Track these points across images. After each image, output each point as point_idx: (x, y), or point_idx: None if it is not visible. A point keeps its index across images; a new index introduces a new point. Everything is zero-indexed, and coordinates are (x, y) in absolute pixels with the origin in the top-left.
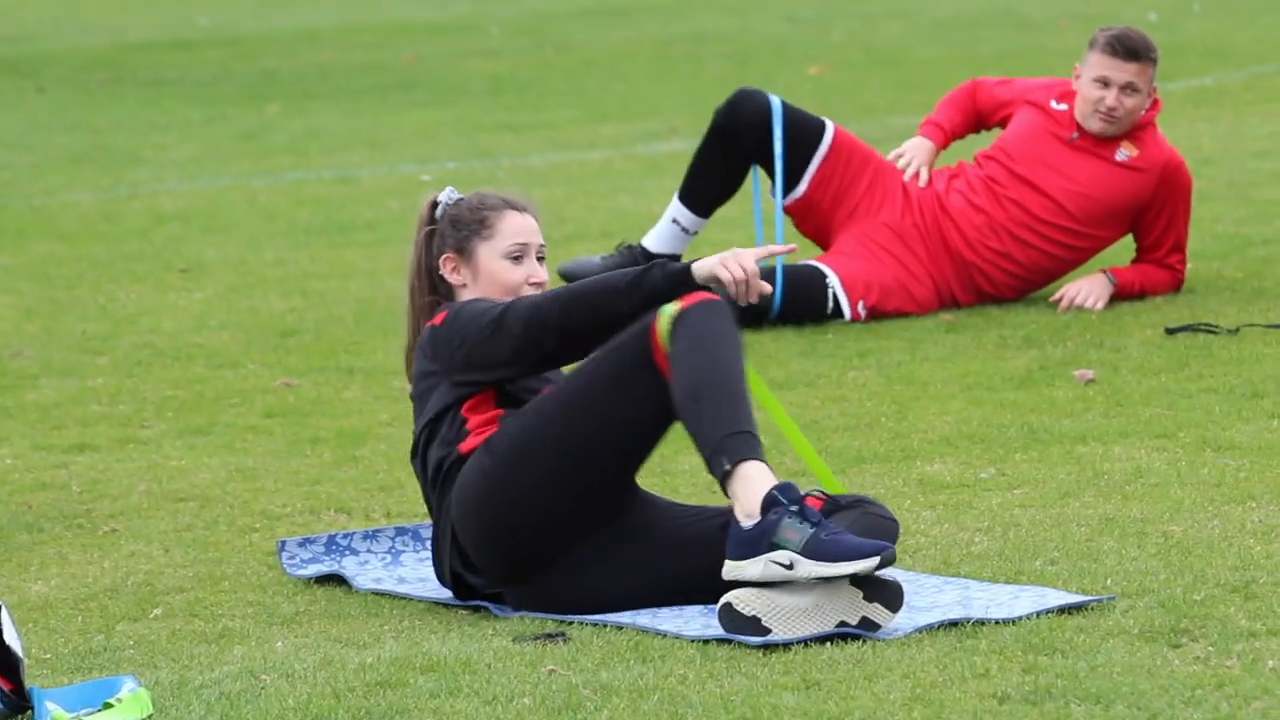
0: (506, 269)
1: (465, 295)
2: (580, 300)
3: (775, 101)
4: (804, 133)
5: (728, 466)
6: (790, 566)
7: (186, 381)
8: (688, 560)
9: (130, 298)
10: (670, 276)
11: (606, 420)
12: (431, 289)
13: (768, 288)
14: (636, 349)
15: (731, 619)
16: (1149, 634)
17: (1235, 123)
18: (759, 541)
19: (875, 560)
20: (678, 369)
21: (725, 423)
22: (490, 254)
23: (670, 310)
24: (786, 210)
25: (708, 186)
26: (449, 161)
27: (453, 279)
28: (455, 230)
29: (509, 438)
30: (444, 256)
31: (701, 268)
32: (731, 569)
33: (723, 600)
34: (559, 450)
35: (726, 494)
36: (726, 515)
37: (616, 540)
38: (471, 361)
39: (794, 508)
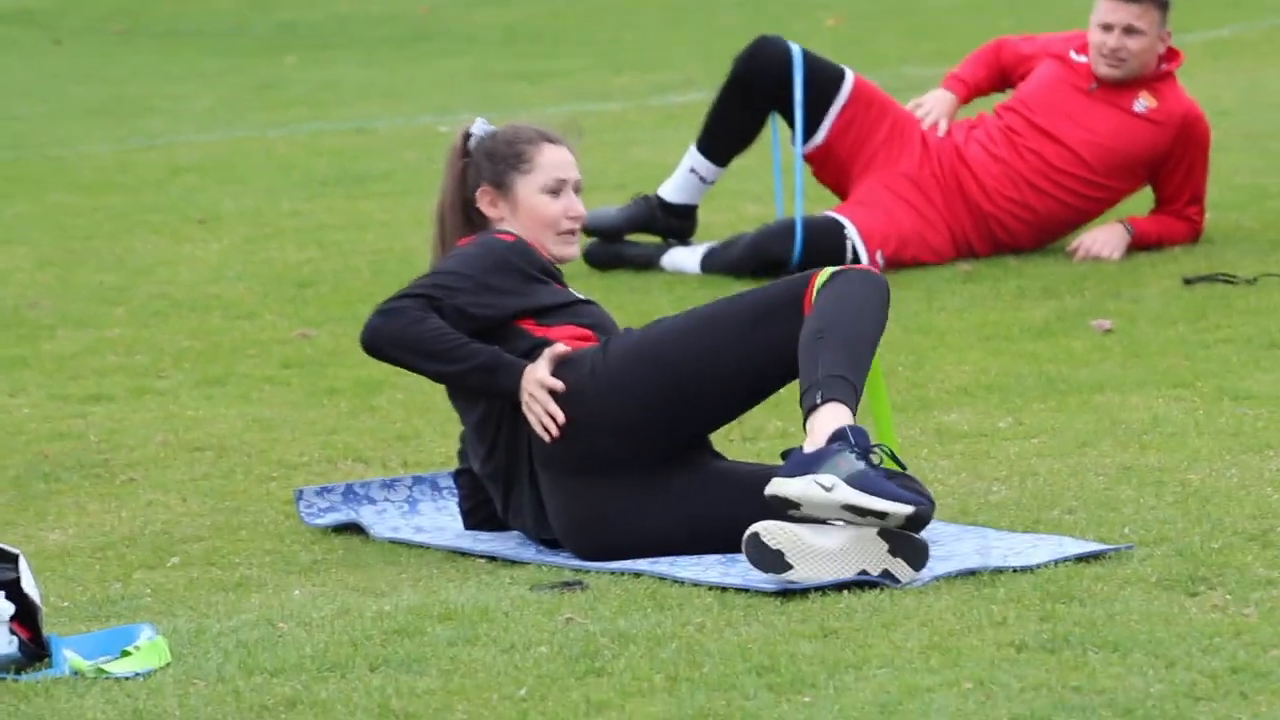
0: (545, 203)
1: (504, 228)
2: (430, 348)
3: (795, 49)
4: (823, 81)
5: (818, 400)
6: (830, 489)
7: (203, 332)
8: (734, 503)
9: (147, 248)
10: (503, 388)
11: (739, 344)
12: (467, 221)
13: (555, 421)
14: (790, 289)
15: (756, 550)
16: (1167, 582)
17: (1253, 74)
18: (811, 464)
19: (909, 509)
20: (816, 311)
21: (834, 366)
22: (528, 188)
23: (831, 269)
24: (806, 158)
25: (726, 135)
26: (464, 112)
27: (490, 212)
28: (492, 163)
29: (631, 339)
30: (480, 190)
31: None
32: (775, 485)
33: (750, 529)
34: (681, 360)
35: (805, 428)
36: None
37: (671, 474)
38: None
39: (857, 447)
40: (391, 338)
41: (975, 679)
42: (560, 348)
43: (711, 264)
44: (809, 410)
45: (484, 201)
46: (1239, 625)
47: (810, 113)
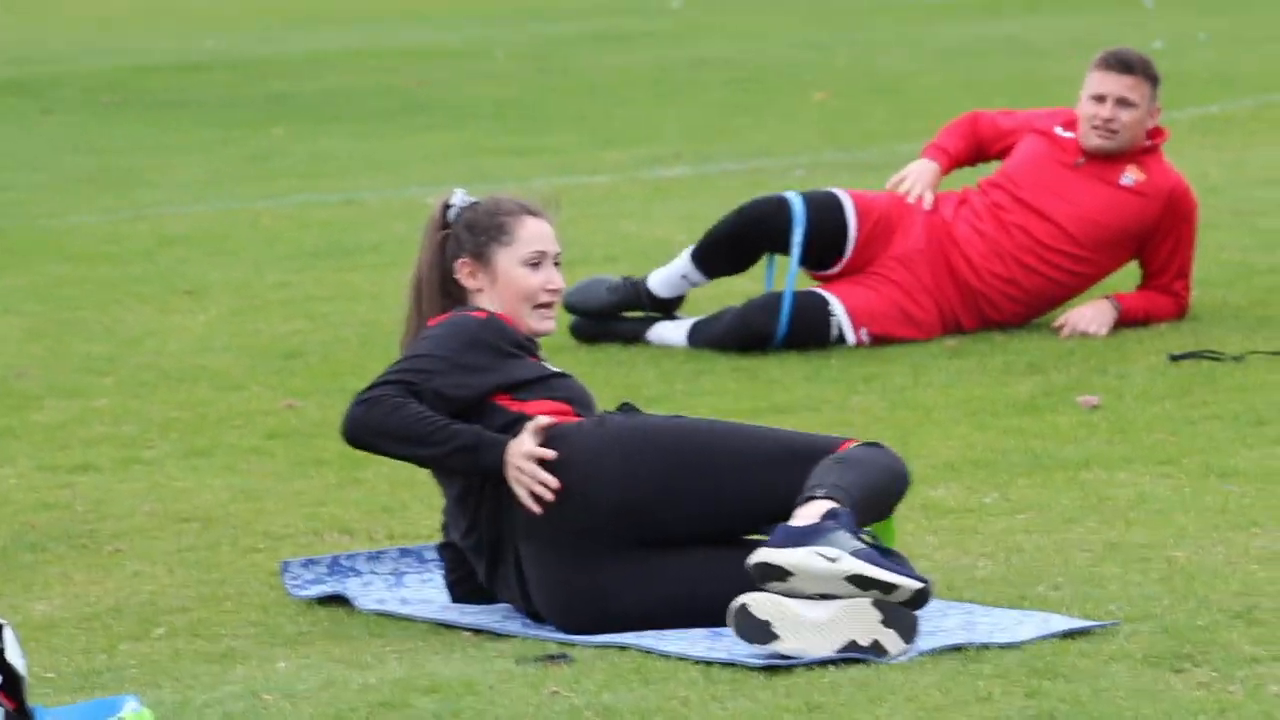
0: (524, 275)
1: (482, 300)
2: (410, 433)
3: (797, 211)
4: (828, 225)
5: (814, 494)
6: (834, 560)
7: (190, 403)
8: (719, 578)
9: (135, 319)
10: (486, 466)
11: (756, 471)
12: (444, 293)
13: (547, 487)
14: (824, 443)
15: (743, 621)
16: (1152, 659)
17: (1241, 151)
18: (805, 537)
19: (918, 584)
20: (847, 452)
21: (843, 482)
22: (508, 260)
23: (868, 440)
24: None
25: (723, 260)
26: (455, 185)
27: (469, 283)
28: (472, 235)
29: (647, 423)
30: (460, 261)
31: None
32: (766, 554)
33: (738, 601)
34: (695, 461)
35: (793, 515)
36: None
37: (654, 551)
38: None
39: (850, 530)
40: (372, 426)
41: None
42: (543, 419)
43: (698, 338)
44: (805, 499)
45: (463, 273)
46: (1224, 703)
47: (821, 257)
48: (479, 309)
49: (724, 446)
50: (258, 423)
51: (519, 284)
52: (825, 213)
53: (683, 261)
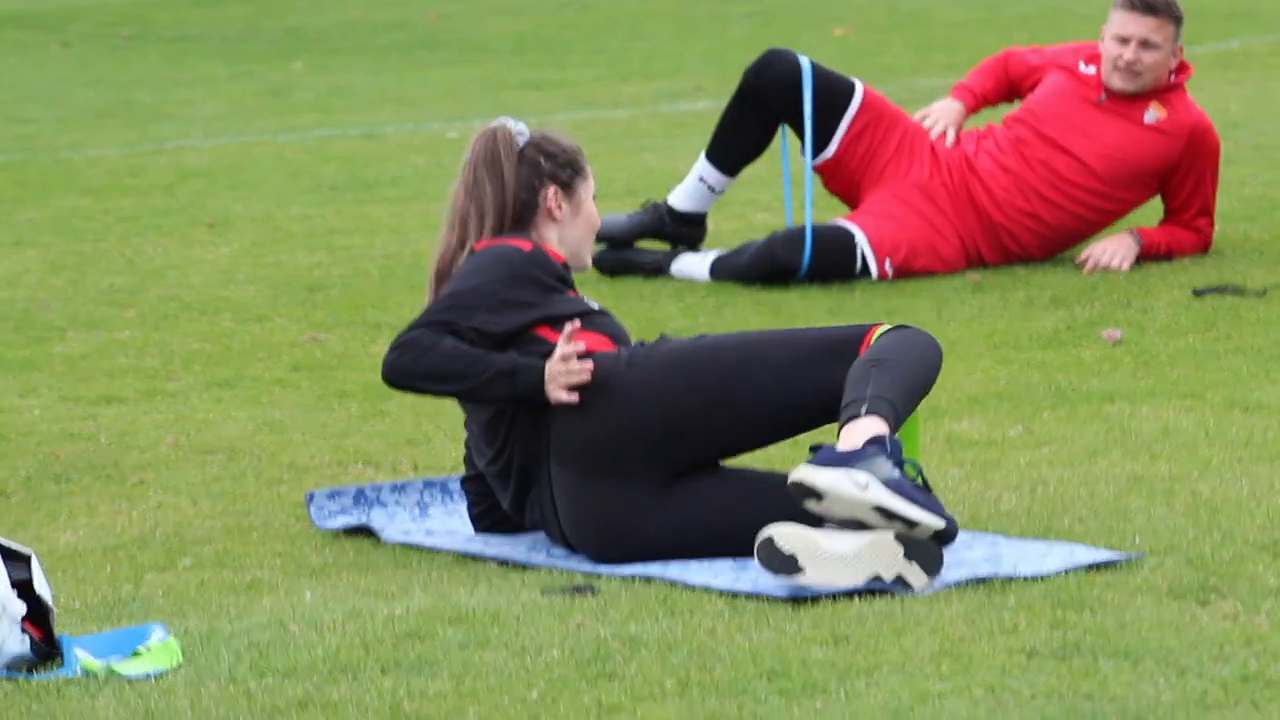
0: (594, 209)
1: (551, 231)
2: (447, 371)
3: (805, 62)
4: (834, 93)
5: (861, 411)
6: (864, 487)
7: (213, 335)
8: (749, 507)
9: (156, 252)
10: (527, 389)
11: (782, 377)
12: (518, 220)
13: (583, 370)
14: (849, 332)
15: (769, 554)
16: (1177, 591)
17: (1262, 85)
18: (845, 460)
19: (941, 523)
20: (873, 348)
21: (884, 389)
22: (587, 194)
23: (890, 324)
24: (816, 170)
25: (736, 145)
26: (475, 119)
27: (556, 213)
28: (555, 166)
29: (673, 347)
30: (552, 190)
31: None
32: (803, 472)
33: (764, 533)
34: (720, 380)
35: (840, 434)
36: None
37: (687, 479)
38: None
39: (893, 455)
40: (409, 370)
41: (986, 685)
42: (575, 323)
43: (720, 271)
44: (849, 418)
45: (553, 201)
46: (1250, 634)
47: (821, 125)
48: (524, 239)
49: (752, 356)
50: (281, 355)
51: (592, 217)
52: (833, 87)
53: (699, 164)
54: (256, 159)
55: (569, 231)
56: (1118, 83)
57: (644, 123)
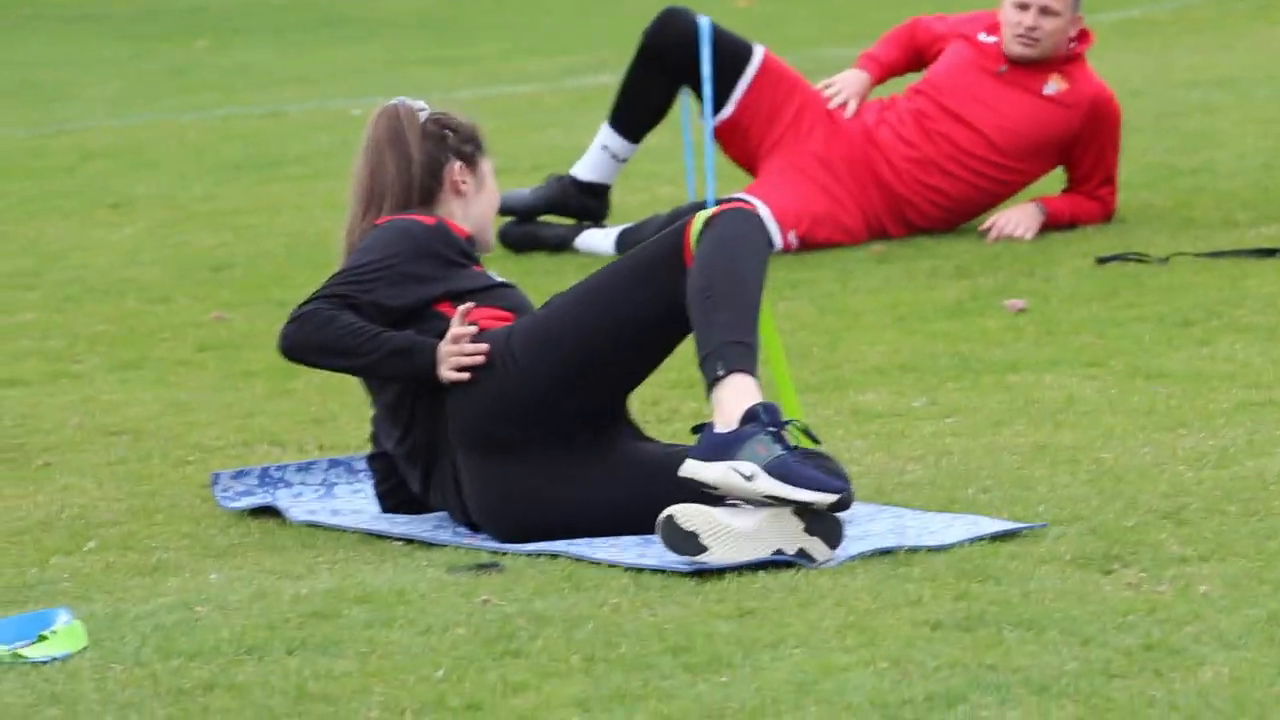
0: (495, 186)
1: (456, 207)
2: (343, 346)
3: (703, 21)
4: (732, 54)
5: (720, 373)
6: (750, 479)
7: (118, 316)
8: (651, 484)
9: (58, 233)
10: (421, 368)
11: (629, 308)
12: (424, 196)
13: (475, 352)
14: (668, 243)
15: (670, 532)
16: (1081, 560)
17: (1163, 54)
18: (728, 448)
19: (833, 497)
20: (697, 265)
21: (728, 329)
22: (489, 169)
23: (704, 214)
24: (714, 131)
25: (637, 110)
26: (378, 95)
27: (461, 188)
28: (460, 140)
29: (529, 322)
30: (456, 165)
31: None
32: (691, 468)
33: (665, 512)
34: (577, 334)
35: (709, 399)
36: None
37: (588, 454)
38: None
39: (771, 428)
40: (304, 344)
41: (891, 658)
42: (468, 305)
43: (625, 245)
44: (712, 382)
45: (457, 177)
46: (1153, 602)
47: (719, 86)
48: (428, 215)
49: (594, 304)
50: (187, 335)
51: (493, 194)
52: (731, 46)
53: (601, 132)
54: (159, 139)
55: (473, 208)
56: (1017, 50)
57: (548, 98)
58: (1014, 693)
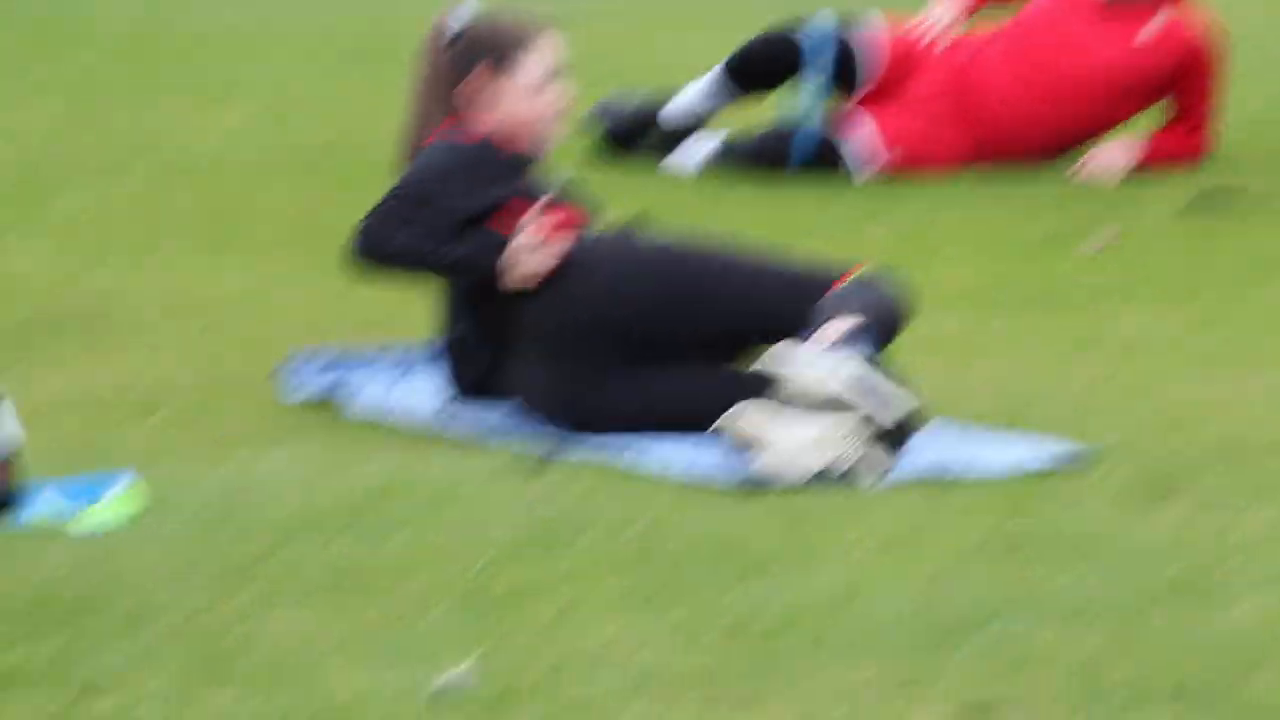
0: (542, 88)
1: (495, 114)
2: (420, 257)
3: (825, 39)
4: (848, 56)
5: (834, 315)
6: (841, 363)
7: (212, 198)
8: (724, 390)
9: (165, 116)
10: (485, 276)
11: (746, 303)
12: (458, 103)
13: (548, 257)
14: (826, 266)
15: (730, 432)
16: (1130, 491)
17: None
18: (821, 345)
19: (913, 402)
20: (851, 283)
21: (857, 312)
22: (532, 70)
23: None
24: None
25: (754, 75)
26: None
27: (486, 94)
28: (494, 46)
29: (643, 247)
30: (478, 70)
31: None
32: (780, 350)
33: (728, 413)
34: (686, 288)
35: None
36: None
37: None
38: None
39: (869, 343)
40: (372, 253)
41: (928, 576)
42: (536, 210)
43: (725, 156)
44: (824, 321)
45: (481, 82)
46: (1195, 538)
47: (847, 82)
48: (475, 131)
49: (727, 273)
50: (279, 221)
51: (537, 96)
52: (846, 49)
53: (714, 76)
54: (275, 26)
55: (509, 113)
56: None
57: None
58: (1047, 615)
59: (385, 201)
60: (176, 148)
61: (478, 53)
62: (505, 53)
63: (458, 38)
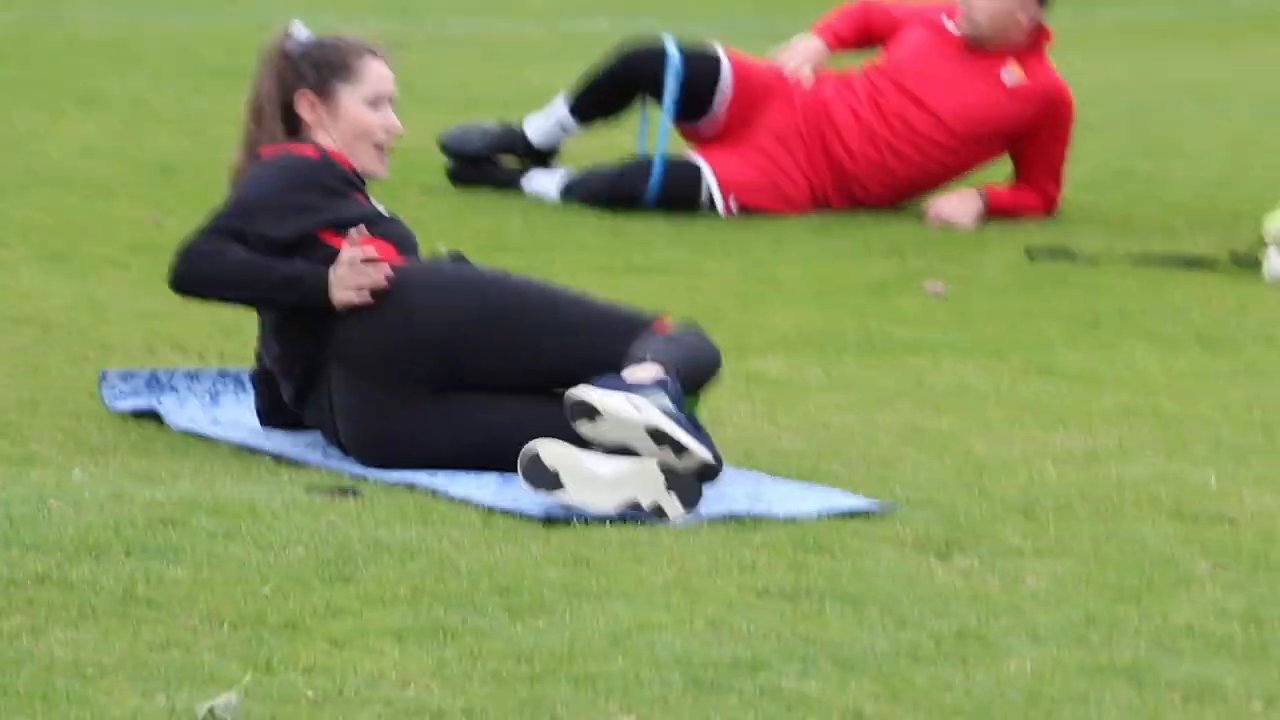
0: (365, 114)
1: (319, 135)
2: (234, 278)
3: (673, 56)
4: (702, 73)
5: (644, 357)
6: (640, 409)
7: (56, 208)
8: (526, 425)
9: (24, 122)
10: (312, 295)
11: (567, 334)
12: (282, 123)
13: (378, 273)
14: (644, 316)
15: (533, 468)
16: (921, 544)
17: (1153, 57)
18: (629, 387)
19: (709, 455)
20: (669, 331)
21: (671, 356)
22: (351, 98)
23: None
24: (683, 135)
25: (597, 107)
26: (370, 16)
27: (308, 117)
28: (316, 70)
29: (477, 272)
30: (300, 93)
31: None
32: (584, 390)
33: (530, 446)
34: (511, 315)
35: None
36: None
37: (466, 396)
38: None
39: (674, 393)
40: (195, 278)
41: (709, 619)
42: (360, 227)
43: (571, 193)
44: (633, 363)
45: (303, 105)
46: (978, 591)
47: (694, 106)
48: (310, 145)
49: (546, 308)
50: (119, 234)
51: (359, 122)
52: (701, 64)
53: (560, 111)
54: (146, 37)
55: (333, 137)
56: (963, 27)
57: (537, 38)
58: (818, 664)
59: (216, 219)
60: (29, 155)
61: (309, 72)
62: (337, 73)
63: (290, 56)
